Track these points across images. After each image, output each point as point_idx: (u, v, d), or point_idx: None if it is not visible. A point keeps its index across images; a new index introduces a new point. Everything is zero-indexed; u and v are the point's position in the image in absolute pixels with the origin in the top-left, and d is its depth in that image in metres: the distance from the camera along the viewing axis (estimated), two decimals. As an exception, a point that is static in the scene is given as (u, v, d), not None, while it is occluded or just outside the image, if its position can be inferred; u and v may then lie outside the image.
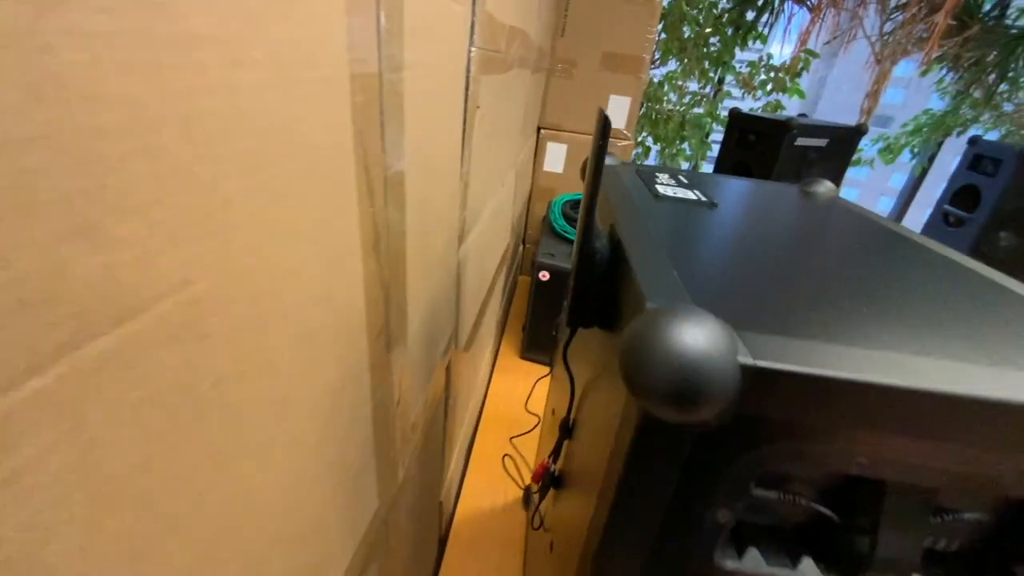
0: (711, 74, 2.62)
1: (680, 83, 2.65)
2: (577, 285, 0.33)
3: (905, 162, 3.03)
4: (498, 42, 0.60)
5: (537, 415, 1.06)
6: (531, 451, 0.98)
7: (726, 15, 2.50)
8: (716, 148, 2.11)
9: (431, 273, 0.47)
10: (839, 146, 1.81)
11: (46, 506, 0.11)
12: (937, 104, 2.84)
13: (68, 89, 0.10)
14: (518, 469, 0.93)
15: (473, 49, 0.49)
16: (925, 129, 2.81)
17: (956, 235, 1.93)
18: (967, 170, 1.93)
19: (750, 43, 2.58)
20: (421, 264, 0.42)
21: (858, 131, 1.81)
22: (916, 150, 2.91)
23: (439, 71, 0.39)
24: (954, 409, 0.20)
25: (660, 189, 0.49)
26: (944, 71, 2.55)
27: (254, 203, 0.17)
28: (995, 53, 2.31)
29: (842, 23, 2.42)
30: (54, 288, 0.11)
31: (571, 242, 1.18)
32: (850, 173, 2.28)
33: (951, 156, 2.09)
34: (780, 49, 2.57)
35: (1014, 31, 2.27)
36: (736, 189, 0.57)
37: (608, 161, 0.58)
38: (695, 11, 2.40)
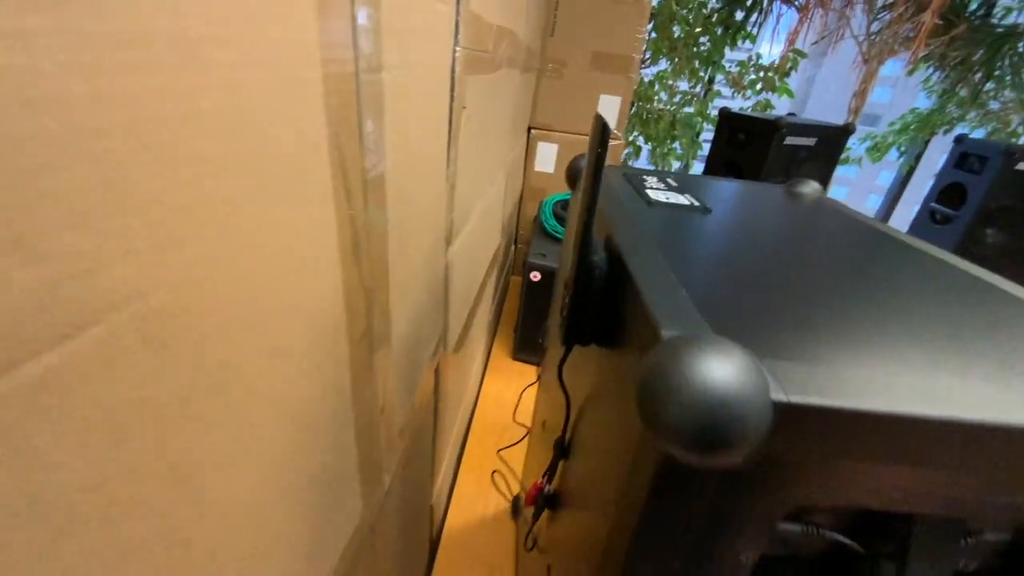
0: (701, 73, 2.63)
1: (671, 82, 2.66)
2: (575, 302, 0.31)
3: (893, 160, 3.06)
4: (485, 42, 0.60)
5: (525, 426, 1.04)
6: (519, 460, 0.96)
7: (715, 15, 2.51)
8: (707, 147, 2.11)
9: (417, 275, 0.46)
10: (827, 145, 1.82)
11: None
12: (924, 103, 2.87)
13: (-2, 92, 0.10)
14: (507, 482, 0.91)
15: (458, 49, 0.48)
16: (912, 128, 2.84)
17: (943, 232, 1.95)
18: (953, 168, 1.95)
19: (739, 43, 2.60)
20: (406, 266, 0.41)
21: (846, 130, 1.83)
22: (903, 149, 2.94)
23: (422, 72, 0.38)
24: (999, 439, 0.19)
25: (651, 195, 0.48)
26: (930, 70, 2.57)
27: (216, 209, 0.16)
28: (981, 52, 2.34)
29: (830, 23, 2.44)
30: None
31: (562, 242, 1.17)
32: (839, 171, 2.30)
33: (938, 154, 2.11)
34: (769, 49, 2.58)
35: (1000, 30, 2.29)
36: (725, 192, 0.56)
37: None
38: (685, 11, 2.40)
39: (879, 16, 2.36)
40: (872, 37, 2.39)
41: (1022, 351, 0.25)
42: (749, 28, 2.54)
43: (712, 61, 2.59)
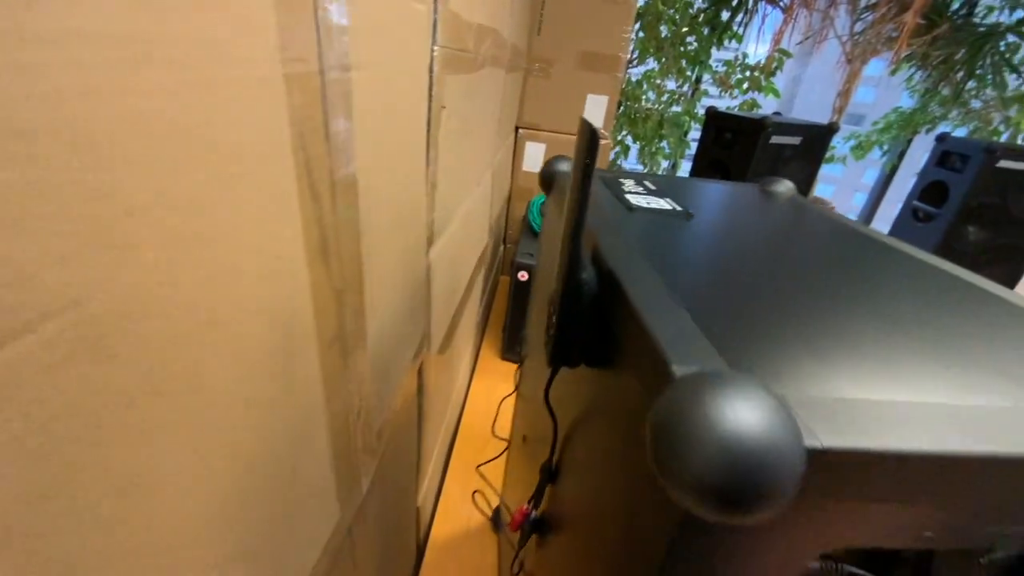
0: (688, 73, 2.64)
1: (658, 82, 2.67)
2: (563, 322, 0.29)
3: (877, 159, 3.10)
4: (465, 41, 0.59)
5: (504, 439, 1.03)
6: (499, 473, 0.94)
7: (702, 15, 2.53)
8: (695, 146, 2.12)
9: (396, 276, 0.46)
10: (812, 144, 1.84)
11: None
12: (907, 102, 2.91)
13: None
14: (488, 501, 0.89)
15: (436, 48, 0.48)
16: (895, 127, 2.88)
17: (925, 230, 1.98)
18: (935, 166, 1.98)
19: (726, 43, 2.61)
20: (383, 267, 0.41)
21: (830, 129, 1.85)
22: (886, 147, 2.98)
23: (397, 71, 0.38)
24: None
25: (632, 199, 0.48)
26: (913, 69, 2.61)
27: (165, 212, 0.16)
28: (963, 51, 2.37)
29: (814, 23, 2.46)
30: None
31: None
32: (826, 170, 2.32)
33: (921, 153, 2.14)
34: (755, 48, 2.60)
35: (982, 29, 2.33)
36: (702, 194, 0.56)
37: (563, 167, 0.56)
38: (672, 10, 2.42)
39: (862, 16, 2.39)
40: (855, 37, 2.41)
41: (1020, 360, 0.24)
42: (735, 28, 2.56)
43: (699, 61, 2.60)
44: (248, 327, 0.22)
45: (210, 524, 0.21)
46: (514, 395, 1.14)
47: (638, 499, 0.22)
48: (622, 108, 2.64)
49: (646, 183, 0.56)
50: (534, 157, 1.58)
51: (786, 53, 2.50)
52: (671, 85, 2.70)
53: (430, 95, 0.49)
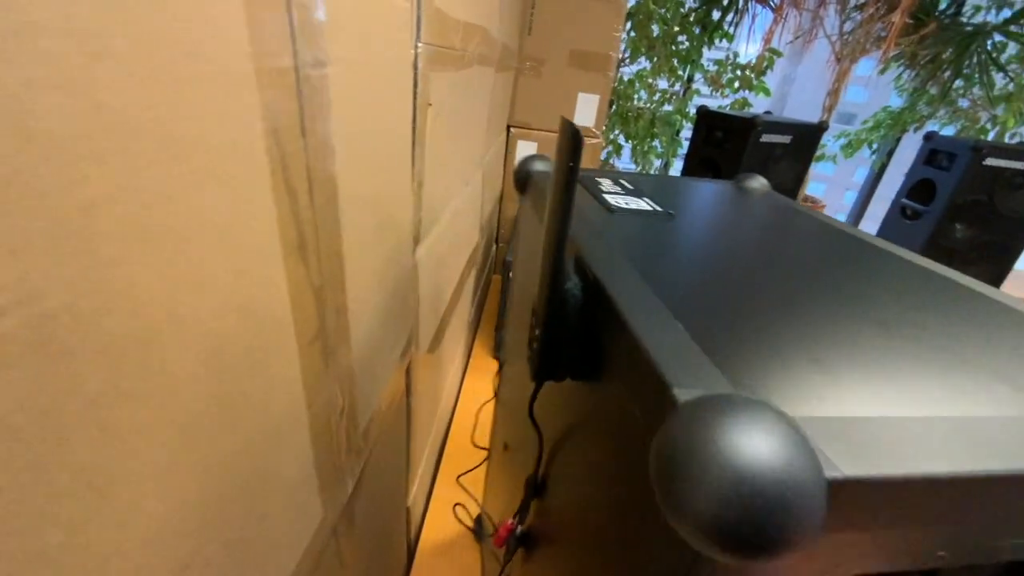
0: (680, 72, 2.65)
1: (650, 81, 2.68)
2: (547, 336, 0.28)
3: (867, 158, 3.13)
4: (450, 38, 0.59)
5: (484, 448, 1.02)
6: (479, 483, 0.93)
7: (693, 14, 2.54)
8: (687, 145, 2.13)
9: (381, 274, 0.45)
10: (802, 142, 1.86)
11: None
12: (897, 102, 2.94)
13: None
14: (470, 514, 0.88)
15: (420, 45, 0.48)
16: (884, 125, 2.91)
17: (913, 228, 2.00)
18: (923, 165, 2.00)
19: (717, 42, 2.63)
20: (367, 265, 0.40)
21: (819, 128, 1.86)
22: (875, 146, 3.00)
23: (378, 67, 0.38)
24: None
25: (611, 200, 0.48)
26: (901, 69, 2.63)
27: (129, 207, 0.16)
28: (950, 50, 2.40)
29: (804, 23, 2.48)
30: None
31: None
32: (818, 169, 2.33)
33: (910, 151, 2.16)
34: (746, 48, 2.62)
35: (969, 28, 2.35)
36: (679, 192, 0.56)
37: (539, 166, 0.55)
38: (663, 10, 2.42)
39: (851, 16, 2.40)
40: (845, 37, 2.43)
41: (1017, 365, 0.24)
42: (726, 27, 2.57)
43: (691, 60, 2.62)
44: (219, 324, 0.21)
45: (183, 524, 0.21)
46: (491, 403, 1.13)
47: (638, 527, 0.21)
48: (614, 107, 2.64)
49: (623, 182, 0.56)
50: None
51: (777, 52, 2.52)
52: (663, 84, 2.71)
53: (415, 92, 0.49)
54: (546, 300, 0.27)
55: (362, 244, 0.38)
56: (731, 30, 2.58)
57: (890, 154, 2.98)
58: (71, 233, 0.14)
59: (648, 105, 2.73)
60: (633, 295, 0.26)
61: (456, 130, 0.73)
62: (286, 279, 0.27)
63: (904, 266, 0.39)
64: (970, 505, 0.18)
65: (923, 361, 0.24)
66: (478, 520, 0.86)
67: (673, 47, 2.55)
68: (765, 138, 1.78)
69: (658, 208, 0.47)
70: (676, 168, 2.83)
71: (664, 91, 2.72)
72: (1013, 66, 2.46)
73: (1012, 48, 2.42)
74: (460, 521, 0.86)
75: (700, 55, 2.62)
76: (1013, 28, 2.32)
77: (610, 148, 2.79)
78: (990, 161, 1.82)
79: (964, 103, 2.71)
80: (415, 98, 0.49)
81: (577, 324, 0.28)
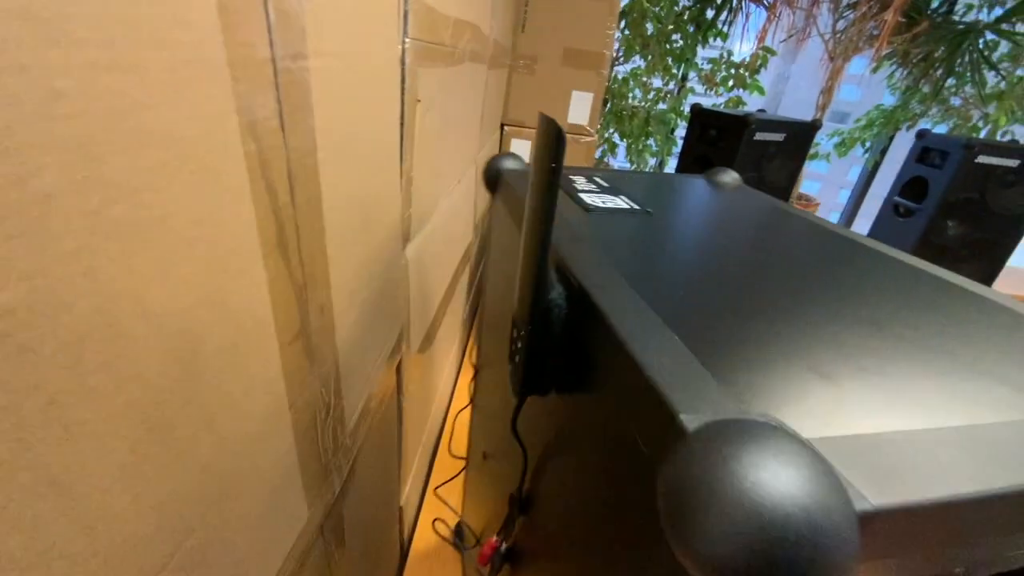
0: (674, 71, 2.65)
1: (645, 79, 2.68)
2: (531, 349, 0.26)
3: (860, 156, 3.14)
4: (440, 34, 0.59)
5: (462, 457, 1.00)
6: (457, 493, 0.92)
7: (687, 12, 2.54)
8: (682, 143, 2.14)
9: (368, 271, 0.45)
10: (796, 140, 1.86)
11: None
12: (890, 100, 2.95)
13: None
14: (447, 525, 0.87)
15: (408, 40, 0.47)
16: (877, 124, 2.92)
17: (906, 226, 2.01)
18: (916, 163, 2.01)
19: (711, 40, 2.63)
20: (352, 262, 0.40)
21: (812, 126, 1.87)
22: (868, 144, 3.02)
23: (363, 62, 0.37)
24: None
25: (586, 199, 0.47)
26: (894, 67, 2.64)
27: (89, 199, 0.15)
28: (942, 49, 2.41)
29: (797, 21, 2.48)
30: None
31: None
32: (812, 167, 2.34)
33: (903, 149, 2.17)
34: (740, 46, 2.62)
35: (961, 27, 2.36)
36: (653, 188, 0.56)
37: (509, 164, 0.54)
38: (657, 8, 2.42)
39: (844, 15, 2.41)
40: (838, 35, 2.44)
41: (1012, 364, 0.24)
42: (720, 26, 2.57)
43: (685, 58, 2.61)
44: (191, 321, 0.21)
45: (156, 525, 0.21)
46: (466, 411, 1.11)
47: (637, 554, 0.20)
48: (609, 106, 2.64)
49: (597, 179, 0.55)
50: (519, 154, 1.57)
51: (770, 51, 2.52)
52: (657, 83, 2.71)
53: (403, 88, 0.48)
54: (528, 312, 0.25)
55: (348, 242, 0.38)
56: (725, 28, 2.58)
57: (883, 152, 2.99)
58: (26, 226, 0.14)
59: (642, 104, 2.72)
60: (623, 305, 0.24)
61: (448, 127, 0.73)
62: (266, 276, 0.26)
63: (888, 262, 0.38)
64: (990, 519, 0.17)
65: (921, 363, 0.24)
66: (458, 530, 0.84)
67: (667, 45, 2.55)
68: (759, 136, 1.79)
69: (635, 206, 0.47)
70: (671, 166, 2.83)
71: (658, 89, 2.72)
72: (1005, 64, 2.47)
73: (1004, 46, 2.43)
74: (439, 535, 0.85)
75: (694, 53, 2.62)
76: (1004, 26, 2.34)
77: (604, 147, 2.78)
78: (982, 159, 1.83)
79: (956, 101, 2.72)
80: (403, 94, 0.49)
81: (562, 335, 0.26)
